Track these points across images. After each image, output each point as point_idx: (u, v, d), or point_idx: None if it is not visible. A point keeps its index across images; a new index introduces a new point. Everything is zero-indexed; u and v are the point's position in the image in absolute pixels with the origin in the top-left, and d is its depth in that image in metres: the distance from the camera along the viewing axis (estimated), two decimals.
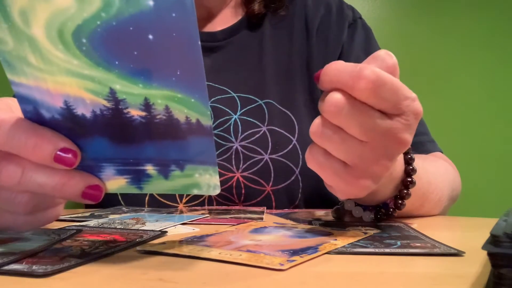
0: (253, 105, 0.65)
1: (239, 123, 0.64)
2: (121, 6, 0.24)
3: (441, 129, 1.60)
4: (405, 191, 0.43)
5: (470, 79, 1.80)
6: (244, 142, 0.63)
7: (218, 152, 0.62)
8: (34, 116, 0.29)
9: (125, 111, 0.27)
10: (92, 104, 0.28)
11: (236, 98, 0.65)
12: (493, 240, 0.22)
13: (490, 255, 0.22)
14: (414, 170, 0.43)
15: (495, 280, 0.22)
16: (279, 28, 0.70)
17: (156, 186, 0.31)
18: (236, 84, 0.66)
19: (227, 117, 0.64)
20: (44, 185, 0.29)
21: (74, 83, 0.27)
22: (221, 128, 0.63)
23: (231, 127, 0.63)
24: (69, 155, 0.29)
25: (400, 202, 0.44)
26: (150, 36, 0.24)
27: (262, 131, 0.63)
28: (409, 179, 0.43)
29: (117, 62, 0.26)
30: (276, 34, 0.70)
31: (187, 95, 0.26)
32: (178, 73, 0.25)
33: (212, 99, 0.65)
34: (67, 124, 0.29)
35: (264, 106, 0.64)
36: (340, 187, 0.35)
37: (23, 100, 0.28)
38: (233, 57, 0.68)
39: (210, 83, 0.66)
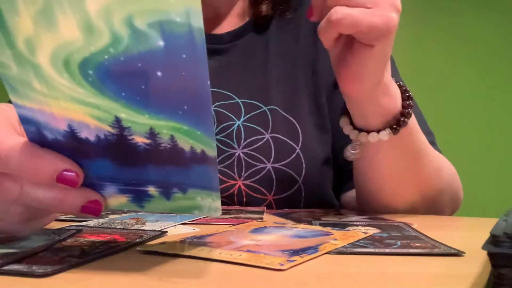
0: (257, 111, 0.64)
1: (242, 129, 0.63)
2: (130, 44, 0.24)
3: (442, 128, 1.60)
4: (408, 102, 0.48)
5: (471, 79, 1.80)
6: (246, 149, 0.62)
7: (219, 158, 0.62)
8: (37, 136, 0.29)
9: (129, 137, 0.27)
10: (97, 129, 0.27)
11: (240, 103, 0.65)
12: (493, 240, 0.22)
13: (490, 255, 0.22)
14: (410, 97, 0.48)
15: (495, 280, 0.22)
16: (286, 32, 0.69)
17: (157, 205, 0.31)
18: (240, 89, 0.65)
19: (230, 123, 0.63)
20: (42, 201, 0.29)
21: (79, 109, 0.27)
22: (224, 134, 0.63)
23: (234, 133, 0.63)
24: (72, 175, 0.28)
25: (407, 109, 0.47)
26: (159, 73, 0.24)
27: (265, 139, 0.62)
28: (407, 95, 0.48)
29: (123, 94, 0.25)
30: (282, 37, 0.69)
31: (193, 128, 0.26)
32: (185, 108, 0.25)
33: (216, 104, 0.64)
34: (70, 145, 0.29)
35: (268, 113, 0.63)
36: (370, 20, 0.40)
37: (25, 121, 0.28)
38: (238, 61, 0.68)
39: (215, 89, 0.65)
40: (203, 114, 0.25)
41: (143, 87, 0.25)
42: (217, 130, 0.63)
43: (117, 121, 0.27)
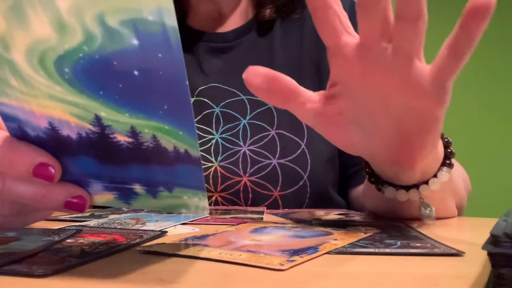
0: (262, 108, 0.64)
1: (248, 127, 0.63)
2: (104, 42, 0.23)
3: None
4: (449, 150, 0.43)
5: (470, 78, 1.80)
6: (252, 146, 0.62)
7: (225, 155, 0.62)
8: (19, 133, 0.29)
9: (111, 136, 0.27)
10: (78, 127, 0.27)
11: (246, 100, 0.65)
12: (493, 240, 0.22)
13: (490, 255, 0.22)
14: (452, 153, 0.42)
15: (495, 280, 0.22)
16: (290, 30, 0.70)
17: (145, 203, 0.30)
18: (245, 85, 0.66)
19: (237, 123, 0.64)
20: (24, 196, 0.29)
21: (58, 107, 0.26)
22: (230, 133, 0.63)
23: (240, 131, 0.63)
24: (49, 169, 0.28)
25: (450, 151, 0.42)
26: (136, 72, 0.24)
27: (270, 135, 0.63)
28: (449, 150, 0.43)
29: (101, 92, 0.25)
30: (287, 35, 0.69)
31: (174, 128, 0.26)
32: (165, 107, 0.25)
33: (222, 104, 0.65)
34: (52, 143, 0.28)
35: (273, 109, 0.64)
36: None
37: (7, 118, 0.28)
38: (243, 58, 0.68)
39: (220, 85, 0.66)
40: (184, 115, 0.25)
41: (120, 85, 0.25)
42: (223, 129, 0.63)
43: (97, 119, 0.26)
